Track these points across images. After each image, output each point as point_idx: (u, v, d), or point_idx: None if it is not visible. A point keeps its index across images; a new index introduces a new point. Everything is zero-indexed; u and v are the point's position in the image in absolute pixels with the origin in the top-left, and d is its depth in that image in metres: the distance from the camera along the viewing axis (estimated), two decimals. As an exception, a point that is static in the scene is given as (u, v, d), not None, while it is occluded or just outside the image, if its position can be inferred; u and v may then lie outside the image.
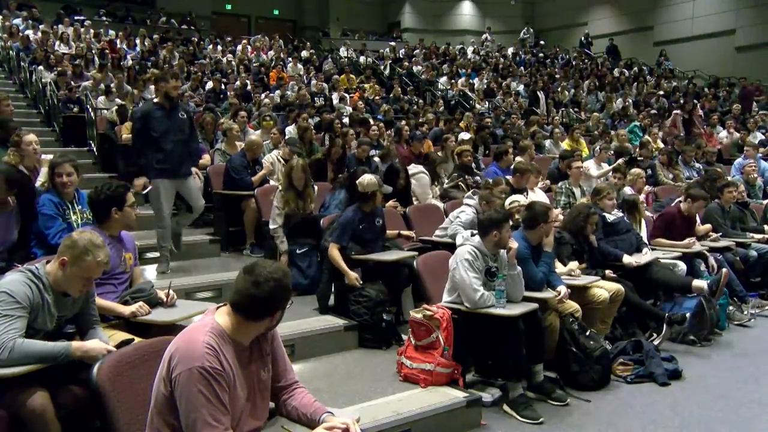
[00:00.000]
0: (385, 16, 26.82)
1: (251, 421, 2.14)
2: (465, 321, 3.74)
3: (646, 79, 17.99)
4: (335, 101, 12.81)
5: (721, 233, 6.17)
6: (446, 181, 7.05)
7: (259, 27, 23.42)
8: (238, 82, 12.69)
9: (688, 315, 4.83)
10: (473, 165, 7.46)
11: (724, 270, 5.28)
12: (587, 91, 16.06)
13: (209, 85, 12.25)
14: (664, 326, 4.76)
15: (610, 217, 5.35)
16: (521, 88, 16.05)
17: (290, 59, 16.19)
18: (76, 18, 16.76)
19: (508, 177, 6.21)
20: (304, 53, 17.53)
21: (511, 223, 4.00)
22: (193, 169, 5.40)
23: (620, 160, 7.53)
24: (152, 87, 10.78)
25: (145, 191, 5.08)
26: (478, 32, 24.65)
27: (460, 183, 6.83)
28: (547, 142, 10.22)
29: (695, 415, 3.66)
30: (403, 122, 10.03)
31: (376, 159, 7.23)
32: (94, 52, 13.51)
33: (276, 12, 25.18)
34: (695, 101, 13.53)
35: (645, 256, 5.18)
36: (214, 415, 1.92)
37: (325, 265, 4.77)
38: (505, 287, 3.71)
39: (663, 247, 5.69)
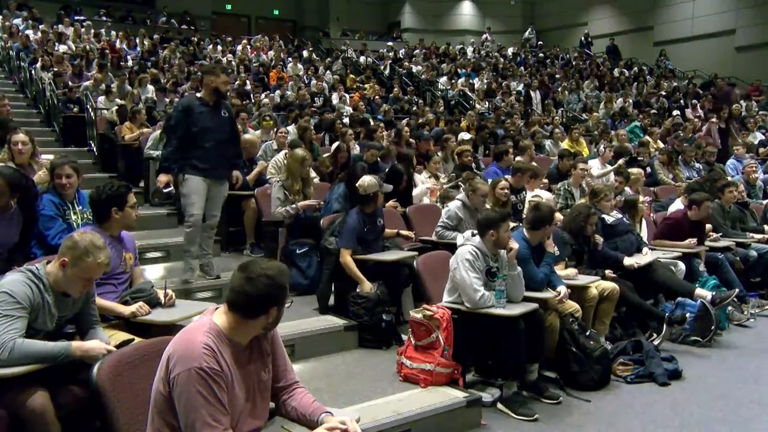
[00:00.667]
0: (385, 16, 26.82)
1: (251, 421, 2.14)
2: (465, 321, 3.74)
3: (646, 79, 17.99)
4: (335, 101, 12.81)
5: (721, 233, 6.17)
6: (445, 181, 7.04)
7: (259, 27, 23.42)
8: (238, 82, 12.69)
9: (688, 315, 4.83)
10: (473, 165, 7.46)
11: (736, 290, 5.27)
12: (571, 90, 15.94)
13: (209, 85, 12.23)
14: (664, 326, 4.76)
15: (609, 219, 5.36)
16: (521, 87, 16.06)
17: (290, 59, 16.20)
18: (76, 18, 16.77)
19: (508, 177, 6.20)
20: (305, 53, 17.53)
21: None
22: (235, 173, 5.10)
23: (621, 161, 7.53)
24: (150, 87, 10.83)
25: (167, 190, 4.80)
26: (478, 32, 24.67)
27: (460, 183, 6.82)
28: (547, 143, 10.22)
29: (695, 415, 3.66)
30: (404, 122, 10.03)
31: (379, 160, 7.22)
32: (94, 52, 13.51)
33: (276, 12, 25.19)
34: (724, 105, 13.29)
35: (645, 257, 5.18)
36: (213, 415, 1.92)
37: (325, 265, 4.77)
38: (505, 287, 3.71)
39: (663, 247, 5.69)
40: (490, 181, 5.85)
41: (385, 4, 26.72)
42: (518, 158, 7.67)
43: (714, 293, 5.08)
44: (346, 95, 13.28)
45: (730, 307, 5.42)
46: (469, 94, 15.29)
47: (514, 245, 3.84)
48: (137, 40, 15.46)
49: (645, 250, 5.37)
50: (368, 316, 4.37)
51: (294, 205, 5.34)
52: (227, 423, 1.97)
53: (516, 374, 3.71)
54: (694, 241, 5.68)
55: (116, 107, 8.85)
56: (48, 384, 2.51)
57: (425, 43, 21.30)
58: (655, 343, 4.58)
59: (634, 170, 6.87)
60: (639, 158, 8.59)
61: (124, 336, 2.93)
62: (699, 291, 5.07)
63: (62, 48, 13.32)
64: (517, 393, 3.68)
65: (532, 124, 11.33)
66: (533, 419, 3.53)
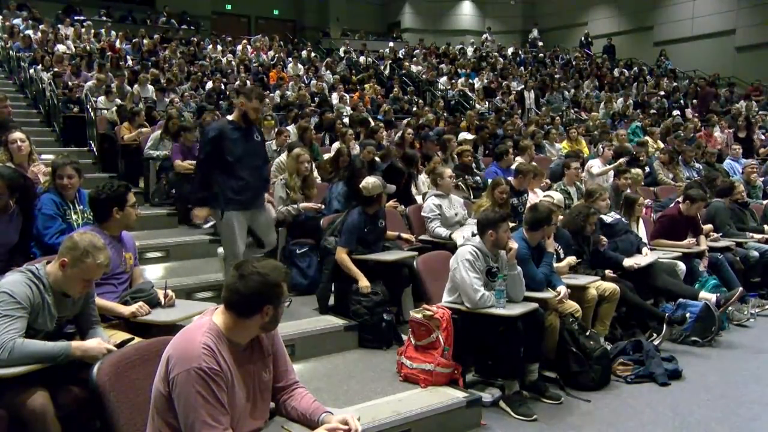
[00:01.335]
0: (385, 16, 26.83)
1: (251, 422, 2.14)
2: (465, 321, 3.75)
3: (646, 79, 17.99)
4: (335, 101, 12.80)
5: (722, 233, 6.17)
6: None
7: (259, 27, 23.43)
8: (238, 82, 12.69)
9: (688, 315, 4.83)
10: (473, 165, 7.46)
11: (740, 289, 5.27)
12: (553, 90, 15.88)
13: (209, 85, 12.26)
14: (664, 326, 4.76)
15: (607, 219, 5.36)
16: (521, 88, 16.05)
17: (290, 59, 16.20)
18: (76, 18, 16.77)
19: (508, 177, 6.20)
20: (304, 53, 17.53)
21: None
22: (267, 196, 4.81)
23: (621, 160, 7.54)
24: (150, 87, 10.83)
25: (208, 225, 4.37)
26: (478, 32, 24.66)
27: (460, 183, 6.82)
28: (545, 143, 10.22)
29: (695, 415, 3.66)
30: (404, 122, 10.03)
31: (377, 159, 7.22)
32: (94, 52, 13.51)
33: (276, 12, 25.20)
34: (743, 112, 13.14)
35: (645, 258, 5.17)
36: (213, 415, 1.92)
37: (325, 266, 4.77)
38: (505, 287, 3.72)
39: (663, 247, 5.69)
40: (490, 181, 5.85)
41: (385, 4, 26.72)
42: (518, 158, 7.67)
43: (718, 295, 5.08)
44: (346, 95, 13.27)
45: (730, 307, 5.42)
46: (469, 94, 15.29)
47: (513, 245, 3.84)
48: (135, 40, 15.43)
49: (645, 250, 5.37)
50: (369, 315, 4.37)
51: (296, 206, 5.34)
52: (227, 423, 1.97)
53: (515, 374, 3.72)
54: (693, 241, 5.67)
55: (116, 107, 8.86)
56: (48, 384, 2.51)
57: (425, 43, 21.30)
58: (655, 343, 4.58)
59: (634, 170, 6.87)
60: (639, 158, 8.59)
61: (123, 336, 2.93)
62: (703, 294, 5.06)
63: (62, 48, 13.32)
64: (517, 393, 3.68)
65: (529, 123, 11.32)
66: (532, 419, 3.54)
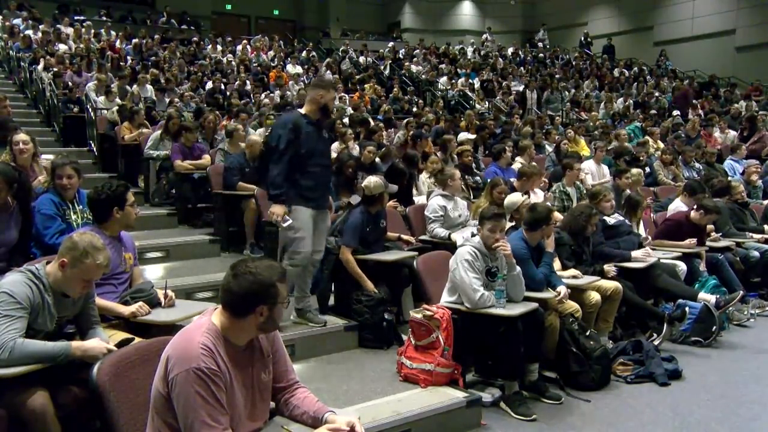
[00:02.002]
0: (385, 16, 26.83)
1: (250, 423, 2.13)
2: (465, 321, 3.75)
3: (646, 79, 17.99)
4: (335, 102, 12.79)
5: (721, 233, 6.17)
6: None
7: (259, 27, 23.43)
8: (238, 82, 12.69)
9: (687, 309, 4.82)
10: (473, 165, 7.46)
11: (740, 292, 5.27)
12: (553, 90, 15.86)
13: (209, 85, 12.26)
14: (665, 326, 4.76)
15: (610, 220, 5.35)
16: (522, 88, 16.05)
17: (289, 59, 16.21)
18: (76, 18, 16.76)
19: (508, 178, 6.20)
20: (304, 54, 17.52)
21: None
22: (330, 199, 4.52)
23: (621, 160, 7.53)
24: (149, 87, 10.83)
25: (286, 224, 4.04)
26: (478, 32, 24.67)
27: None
28: (546, 143, 10.22)
29: (695, 415, 3.66)
30: (404, 122, 10.02)
31: (377, 160, 7.22)
32: (94, 52, 13.51)
33: (276, 12, 25.20)
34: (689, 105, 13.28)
35: (650, 258, 5.14)
36: (212, 415, 1.92)
37: (325, 266, 4.76)
38: (504, 287, 3.72)
39: (664, 247, 5.69)
40: (489, 180, 5.85)
41: (385, 4, 26.73)
42: (518, 158, 7.67)
43: (718, 296, 5.08)
44: (346, 95, 13.27)
45: (730, 307, 5.42)
46: (469, 94, 15.29)
47: (507, 246, 3.83)
48: (137, 41, 15.44)
49: (647, 250, 5.35)
50: (370, 314, 4.38)
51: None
52: (226, 423, 1.96)
53: (515, 374, 3.71)
54: (693, 241, 5.67)
55: (116, 107, 8.86)
56: (48, 384, 2.51)
57: (425, 43, 21.30)
58: (656, 343, 4.57)
59: (634, 170, 6.87)
60: (640, 158, 8.59)
61: (123, 335, 2.93)
62: (702, 295, 5.06)
63: (62, 48, 13.32)
64: (517, 393, 3.68)
65: (525, 123, 11.29)
66: (532, 419, 3.53)
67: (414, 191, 6.59)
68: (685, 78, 18.51)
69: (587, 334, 4.08)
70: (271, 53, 16.75)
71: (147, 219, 5.54)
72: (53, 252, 2.74)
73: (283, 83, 13.28)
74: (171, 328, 2.96)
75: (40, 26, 14.40)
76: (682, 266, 5.43)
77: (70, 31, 14.88)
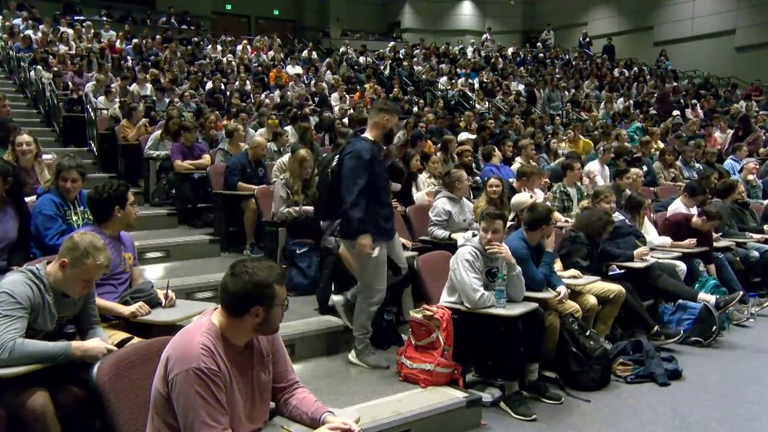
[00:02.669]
0: (385, 16, 26.83)
1: (249, 423, 2.13)
2: (465, 321, 3.75)
3: (645, 79, 18.00)
4: (335, 102, 12.80)
5: (721, 233, 6.17)
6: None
7: (259, 27, 23.43)
8: (237, 82, 12.70)
9: (682, 331, 4.83)
10: (473, 165, 7.46)
11: (740, 293, 5.27)
12: (554, 88, 15.86)
13: (209, 85, 12.26)
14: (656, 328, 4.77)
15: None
16: (521, 87, 16.05)
17: (288, 59, 16.21)
18: (76, 18, 16.76)
19: (506, 175, 6.20)
20: (304, 54, 17.53)
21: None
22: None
23: (621, 160, 7.53)
24: (149, 85, 10.83)
25: (376, 253, 3.78)
26: (478, 32, 24.68)
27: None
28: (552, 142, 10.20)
29: (695, 415, 3.66)
30: (405, 122, 10.03)
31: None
32: (95, 52, 13.52)
33: (276, 12, 25.20)
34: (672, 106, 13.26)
35: (651, 259, 5.15)
36: (212, 415, 1.92)
37: (325, 266, 4.77)
38: (504, 287, 3.72)
39: (663, 247, 5.68)
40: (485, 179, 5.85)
41: (385, 4, 26.72)
42: (518, 158, 7.67)
43: (718, 296, 5.08)
44: (347, 95, 13.27)
45: (730, 307, 5.41)
46: (469, 94, 15.29)
47: (501, 249, 3.82)
48: (137, 41, 15.44)
49: (646, 249, 5.35)
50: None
51: (297, 208, 5.33)
52: (226, 423, 1.96)
53: (515, 374, 3.71)
54: (693, 241, 5.67)
55: (118, 104, 8.86)
56: (48, 384, 2.51)
57: (425, 43, 21.30)
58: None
59: (634, 170, 6.86)
60: (641, 158, 8.59)
61: (123, 336, 2.93)
62: (702, 295, 5.06)
63: (63, 48, 13.32)
64: (517, 393, 3.68)
65: (528, 123, 11.29)
66: (532, 419, 3.54)
67: (414, 190, 6.59)
68: (685, 78, 18.53)
69: (587, 334, 4.08)
70: (271, 53, 16.75)
71: (147, 219, 5.54)
72: (53, 252, 2.74)
73: (283, 83, 13.28)
74: (171, 328, 2.96)
75: (40, 26, 14.40)
76: (682, 266, 5.43)
77: (70, 31, 14.88)
